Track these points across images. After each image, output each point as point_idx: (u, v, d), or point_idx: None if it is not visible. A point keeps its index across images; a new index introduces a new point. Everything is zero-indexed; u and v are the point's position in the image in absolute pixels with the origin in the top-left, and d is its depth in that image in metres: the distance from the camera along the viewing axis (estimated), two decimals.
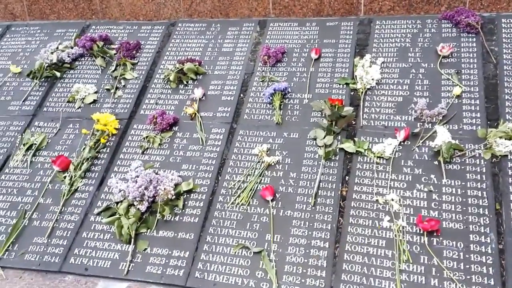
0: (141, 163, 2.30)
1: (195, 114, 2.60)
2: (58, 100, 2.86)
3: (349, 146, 2.21)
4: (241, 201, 2.14)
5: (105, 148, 2.53)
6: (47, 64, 2.98)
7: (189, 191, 2.22)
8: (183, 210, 2.16)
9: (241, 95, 2.67)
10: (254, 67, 2.80)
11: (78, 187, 2.35)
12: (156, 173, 2.21)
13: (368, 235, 1.89)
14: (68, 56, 3.04)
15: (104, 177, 2.39)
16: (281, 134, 2.40)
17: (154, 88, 2.82)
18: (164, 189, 2.13)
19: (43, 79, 2.98)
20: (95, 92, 2.84)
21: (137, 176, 2.22)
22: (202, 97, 2.68)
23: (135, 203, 2.13)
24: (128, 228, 2.08)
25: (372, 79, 2.47)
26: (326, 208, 2.03)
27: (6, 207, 2.32)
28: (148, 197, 2.13)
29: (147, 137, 2.52)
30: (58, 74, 2.97)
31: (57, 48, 3.10)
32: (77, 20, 3.52)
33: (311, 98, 2.53)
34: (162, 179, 2.19)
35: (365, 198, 2.02)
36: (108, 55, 3.06)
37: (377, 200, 1.99)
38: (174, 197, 2.14)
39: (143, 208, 2.11)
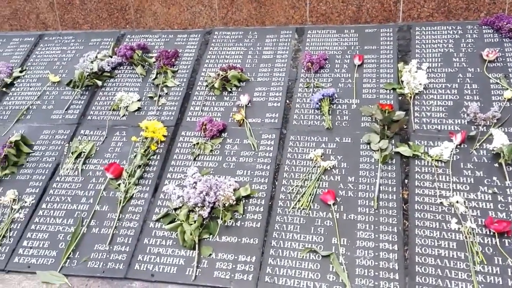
0: (197, 170, 2.32)
1: (243, 120, 2.62)
2: (102, 108, 2.87)
3: (405, 150, 2.24)
4: (301, 205, 2.15)
5: (155, 155, 2.54)
6: (87, 73, 3.00)
7: (247, 197, 2.24)
8: (244, 215, 2.17)
9: (287, 101, 2.70)
10: (297, 74, 2.83)
11: (133, 194, 2.35)
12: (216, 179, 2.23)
13: (437, 237, 1.91)
14: (108, 65, 3.06)
15: (158, 184, 2.40)
16: (333, 139, 2.43)
17: (197, 95, 2.84)
18: (225, 194, 2.14)
19: (84, 88, 3.00)
20: (138, 100, 2.86)
21: (195, 182, 2.24)
22: (248, 104, 2.71)
23: (197, 208, 2.14)
24: (191, 234, 2.08)
25: (420, 84, 2.51)
26: (390, 211, 2.05)
27: (62, 215, 2.32)
28: (209, 202, 2.14)
29: (197, 143, 2.53)
30: (99, 82, 2.99)
31: (96, 57, 3.12)
32: (110, 29, 3.54)
33: (358, 103, 2.57)
34: (220, 185, 2.20)
35: (428, 200, 2.05)
36: (147, 63, 3.08)
37: (441, 202, 2.01)
38: (234, 202, 2.16)
39: (205, 213, 2.11)
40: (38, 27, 3.66)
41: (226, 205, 2.14)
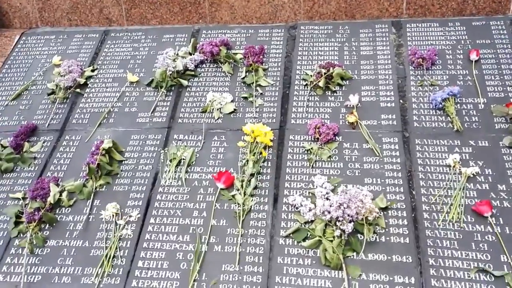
0: (325, 179, 2.09)
1: (357, 122, 2.40)
2: (192, 110, 2.62)
3: None
4: (452, 218, 1.93)
5: (265, 162, 2.30)
6: (170, 72, 2.76)
7: (384, 209, 2.01)
8: (386, 230, 1.95)
9: (401, 100, 2.47)
10: (405, 71, 2.60)
11: (251, 206, 2.12)
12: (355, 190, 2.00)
13: None
14: (192, 63, 2.82)
15: (276, 194, 2.17)
16: (466, 142, 2.20)
17: (297, 95, 2.60)
18: (368, 206, 1.91)
19: (167, 88, 2.76)
20: (232, 101, 2.63)
21: (328, 193, 2.02)
22: (357, 104, 2.48)
23: (338, 223, 1.91)
24: (334, 251, 1.85)
25: None
26: None
27: (175, 230, 2.08)
28: (350, 216, 1.92)
29: (311, 149, 2.31)
30: (185, 82, 2.75)
31: (177, 54, 2.87)
32: (181, 25, 3.30)
33: (486, 102, 2.35)
34: (357, 196, 1.97)
35: None
36: (232, 60, 2.84)
37: None
38: (378, 215, 1.93)
39: (348, 228, 1.88)
40: (100, 23, 3.41)
41: (370, 218, 1.92)
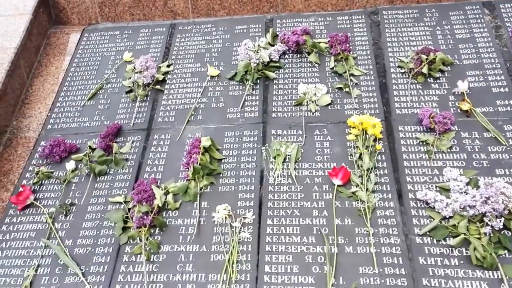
0: (457, 171, 1.94)
1: (471, 109, 2.24)
2: (284, 104, 2.47)
3: None
4: None
5: (378, 156, 2.16)
6: (255, 64, 2.61)
7: None
8: None
9: None
10: (511, 53, 2.45)
11: (374, 203, 1.98)
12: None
13: None
14: (276, 54, 2.67)
15: (399, 190, 2.02)
16: None
17: (396, 83, 2.44)
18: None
19: (253, 81, 2.61)
20: (327, 92, 2.48)
21: (464, 187, 1.87)
22: (466, 91, 2.32)
23: (485, 219, 1.76)
24: (486, 250, 1.71)
25: None
26: None
27: (297, 231, 1.93)
28: (496, 211, 1.77)
29: (427, 140, 2.15)
30: (272, 74, 2.60)
31: (259, 45, 2.72)
32: (251, 15, 3.14)
33: None
34: (499, 188, 1.82)
35: None
36: (317, 50, 2.69)
37: None
38: None
39: (499, 225, 1.74)
40: (165, 16, 3.25)
41: None
